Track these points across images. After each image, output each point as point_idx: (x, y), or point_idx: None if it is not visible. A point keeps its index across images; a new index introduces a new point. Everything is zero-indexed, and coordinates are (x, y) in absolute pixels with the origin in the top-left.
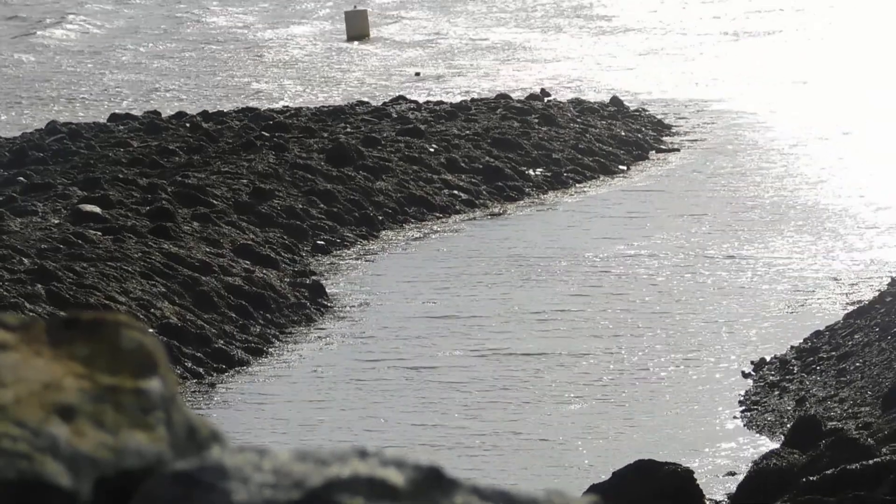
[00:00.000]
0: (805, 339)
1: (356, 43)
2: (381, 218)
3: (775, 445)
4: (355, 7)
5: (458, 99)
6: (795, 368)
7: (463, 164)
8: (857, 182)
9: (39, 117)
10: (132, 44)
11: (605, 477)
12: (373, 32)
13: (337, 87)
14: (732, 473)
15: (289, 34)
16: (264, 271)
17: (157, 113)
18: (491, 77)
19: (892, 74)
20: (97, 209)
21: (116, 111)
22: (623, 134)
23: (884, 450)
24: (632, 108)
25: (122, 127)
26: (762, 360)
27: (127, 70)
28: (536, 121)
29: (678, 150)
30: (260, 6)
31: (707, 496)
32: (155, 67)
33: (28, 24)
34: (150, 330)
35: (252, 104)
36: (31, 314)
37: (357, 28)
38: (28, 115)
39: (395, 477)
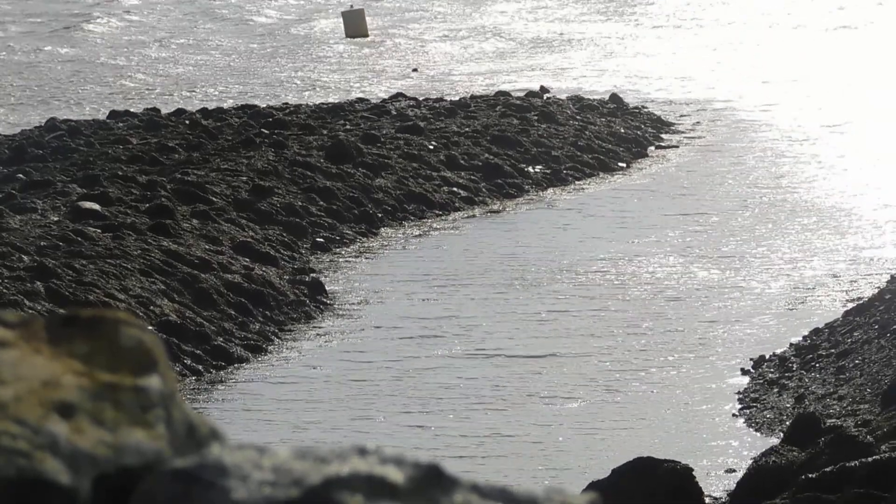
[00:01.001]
0: (804, 337)
1: (355, 40)
2: (380, 215)
3: (774, 443)
4: (352, 6)
5: (457, 96)
6: (795, 366)
7: (462, 162)
8: (856, 180)
9: (41, 112)
10: (146, 42)
11: (603, 475)
12: (371, 30)
13: (336, 84)
14: (732, 471)
15: (287, 32)
16: (264, 269)
17: (156, 110)
18: (490, 74)
19: (891, 72)
20: (96, 206)
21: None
22: (622, 131)
23: (883, 447)
24: (631, 106)
25: (121, 124)
26: (761, 357)
27: (136, 68)
28: (536, 118)
29: (678, 147)
30: (259, 3)
31: (706, 494)
32: (170, 64)
33: (54, 21)
34: (150, 327)
35: (251, 102)
36: (30, 311)
37: (355, 27)
38: (39, 112)
39: (395, 474)
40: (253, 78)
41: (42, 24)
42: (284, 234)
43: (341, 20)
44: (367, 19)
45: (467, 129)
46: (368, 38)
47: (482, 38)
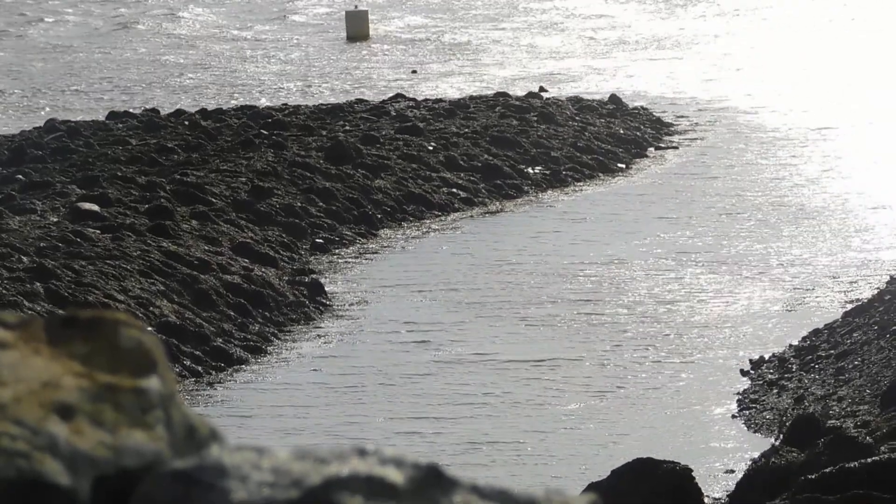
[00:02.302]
0: (804, 338)
1: (353, 42)
2: (379, 216)
3: (774, 443)
4: (356, 7)
5: (456, 97)
6: (794, 367)
7: (462, 163)
8: (856, 181)
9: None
10: (119, 45)
11: (603, 477)
12: (372, 31)
13: (335, 85)
14: (731, 472)
15: (288, 33)
16: (263, 269)
17: (155, 111)
18: (490, 75)
19: (891, 72)
20: (96, 207)
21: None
22: (622, 132)
23: (882, 448)
24: (631, 107)
25: (120, 125)
26: (761, 358)
27: (128, 67)
28: (535, 119)
29: (677, 147)
30: (258, 3)
31: (706, 494)
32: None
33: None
34: (149, 328)
35: (251, 102)
36: (29, 312)
37: (357, 28)
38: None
39: (395, 475)
40: (250, 78)
41: (90, 23)
42: (284, 235)
43: (342, 20)
44: (370, 18)
45: (466, 130)
46: (369, 40)
47: (480, 38)
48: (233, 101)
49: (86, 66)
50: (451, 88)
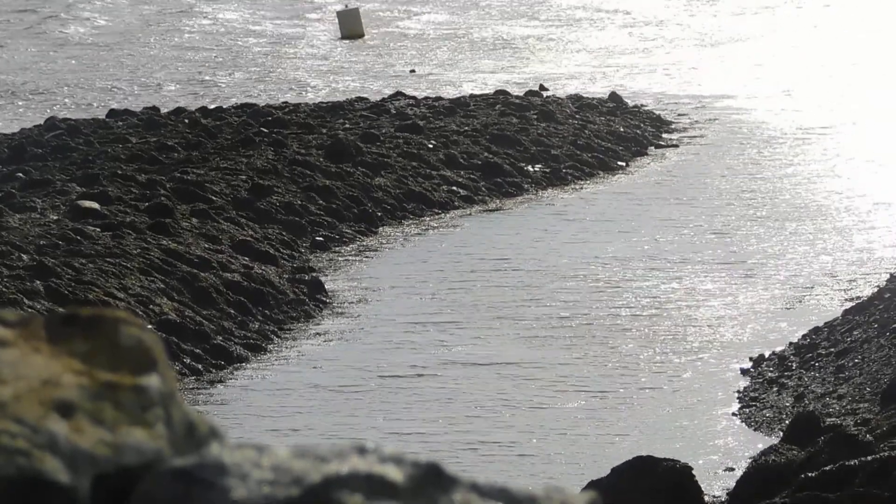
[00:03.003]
0: (803, 336)
1: (352, 41)
2: (379, 214)
3: (774, 441)
4: (346, 6)
5: (456, 95)
6: (794, 365)
7: (462, 161)
8: (856, 179)
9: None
10: (129, 42)
11: (603, 475)
12: (373, 29)
13: (335, 83)
14: (731, 469)
15: (287, 32)
16: (263, 267)
17: (155, 109)
18: (490, 72)
19: (891, 72)
20: (96, 205)
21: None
22: (622, 130)
23: (882, 446)
24: (631, 105)
25: (120, 123)
26: (761, 356)
27: (127, 67)
28: (535, 117)
29: (677, 146)
30: (257, 2)
31: (705, 492)
32: (156, 64)
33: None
34: (149, 326)
35: (250, 100)
36: (29, 310)
37: (350, 27)
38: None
39: (395, 473)
40: (249, 77)
41: (100, 20)
42: (284, 233)
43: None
44: (366, 19)
45: (466, 128)
46: (365, 38)
47: (481, 35)
48: (237, 99)
49: (96, 65)
50: (452, 86)
